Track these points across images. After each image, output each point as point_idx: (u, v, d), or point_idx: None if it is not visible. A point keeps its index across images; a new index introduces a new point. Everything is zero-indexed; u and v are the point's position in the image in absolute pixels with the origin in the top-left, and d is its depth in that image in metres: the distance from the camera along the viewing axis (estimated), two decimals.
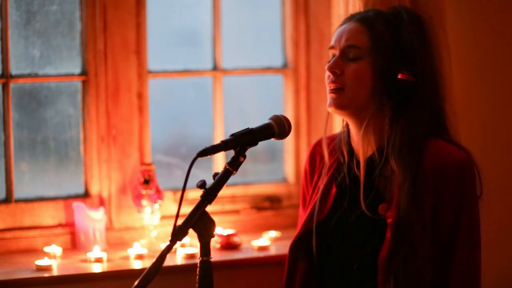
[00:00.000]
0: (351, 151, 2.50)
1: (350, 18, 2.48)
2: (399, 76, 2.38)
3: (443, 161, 2.34)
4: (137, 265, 2.89)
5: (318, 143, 2.65)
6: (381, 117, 2.41)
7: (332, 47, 2.47)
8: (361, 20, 2.44)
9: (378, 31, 2.41)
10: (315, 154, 2.63)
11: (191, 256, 2.94)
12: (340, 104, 2.42)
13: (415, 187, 2.33)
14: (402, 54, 2.40)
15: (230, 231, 3.11)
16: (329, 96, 2.44)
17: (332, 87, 2.43)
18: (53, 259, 2.89)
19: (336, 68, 2.42)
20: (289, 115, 3.37)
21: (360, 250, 2.39)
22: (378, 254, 2.33)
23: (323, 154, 2.57)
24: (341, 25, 2.50)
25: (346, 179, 2.47)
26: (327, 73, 2.44)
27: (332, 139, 2.60)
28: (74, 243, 3.07)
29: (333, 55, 2.46)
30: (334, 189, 2.51)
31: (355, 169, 2.45)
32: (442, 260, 2.33)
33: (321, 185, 2.54)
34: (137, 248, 2.99)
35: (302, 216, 2.63)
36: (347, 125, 2.53)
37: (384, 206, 2.37)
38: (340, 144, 2.53)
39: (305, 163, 2.68)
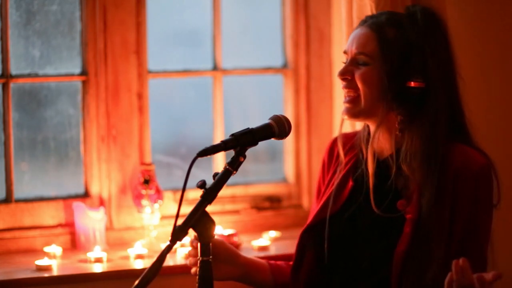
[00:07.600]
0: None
1: (363, 23, 2.47)
2: (408, 84, 2.37)
3: (464, 165, 2.34)
4: (137, 265, 2.89)
5: (339, 137, 2.65)
6: (392, 121, 2.41)
7: (345, 52, 2.47)
8: (371, 25, 2.42)
9: (388, 38, 2.39)
10: (334, 147, 2.62)
11: None
12: (353, 113, 2.43)
13: (437, 192, 2.33)
14: (412, 60, 2.38)
15: (230, 231, 3.11)
16: (344, 105, 2.45)
17: (348, 95, 2.43)
18: (53, 259, 2.89)
19: (346, 74, 2.42)
20: (289, 115, 3.37)
21: (373, 246, 2.39)
22: (393, 248, 2.33)
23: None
24: (356, 28, 2.49)
25: (364, 175, 2.47)
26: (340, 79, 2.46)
27: (351, 136, 2.60)
28: (74, 243, 3.07)
29: (347, 60, 2.46)
30: (350, 183, 2.50)
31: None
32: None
33: (337, 179, 2.53)
34: (137, 248, 2.98)
35: (314, 207, 2.61)
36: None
37: (403, 202, 2.37)
38: (360, 142, 2.53)
39: (324, 154, 2.66)
